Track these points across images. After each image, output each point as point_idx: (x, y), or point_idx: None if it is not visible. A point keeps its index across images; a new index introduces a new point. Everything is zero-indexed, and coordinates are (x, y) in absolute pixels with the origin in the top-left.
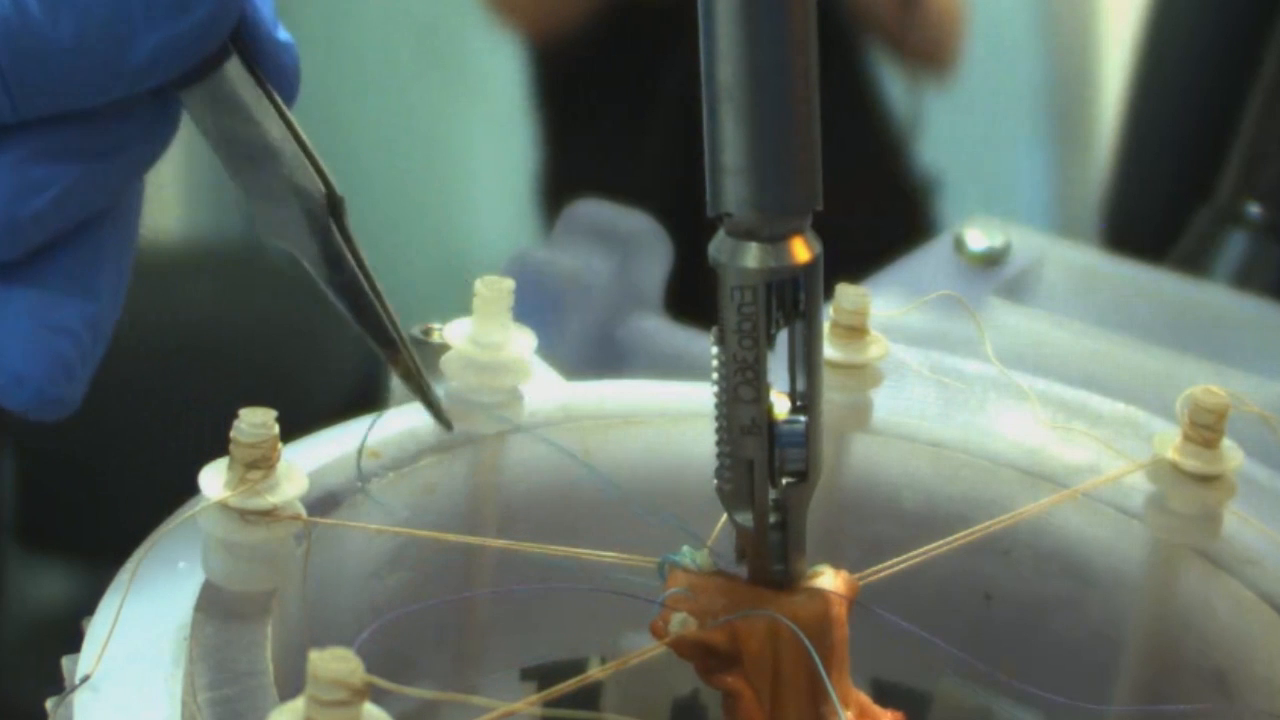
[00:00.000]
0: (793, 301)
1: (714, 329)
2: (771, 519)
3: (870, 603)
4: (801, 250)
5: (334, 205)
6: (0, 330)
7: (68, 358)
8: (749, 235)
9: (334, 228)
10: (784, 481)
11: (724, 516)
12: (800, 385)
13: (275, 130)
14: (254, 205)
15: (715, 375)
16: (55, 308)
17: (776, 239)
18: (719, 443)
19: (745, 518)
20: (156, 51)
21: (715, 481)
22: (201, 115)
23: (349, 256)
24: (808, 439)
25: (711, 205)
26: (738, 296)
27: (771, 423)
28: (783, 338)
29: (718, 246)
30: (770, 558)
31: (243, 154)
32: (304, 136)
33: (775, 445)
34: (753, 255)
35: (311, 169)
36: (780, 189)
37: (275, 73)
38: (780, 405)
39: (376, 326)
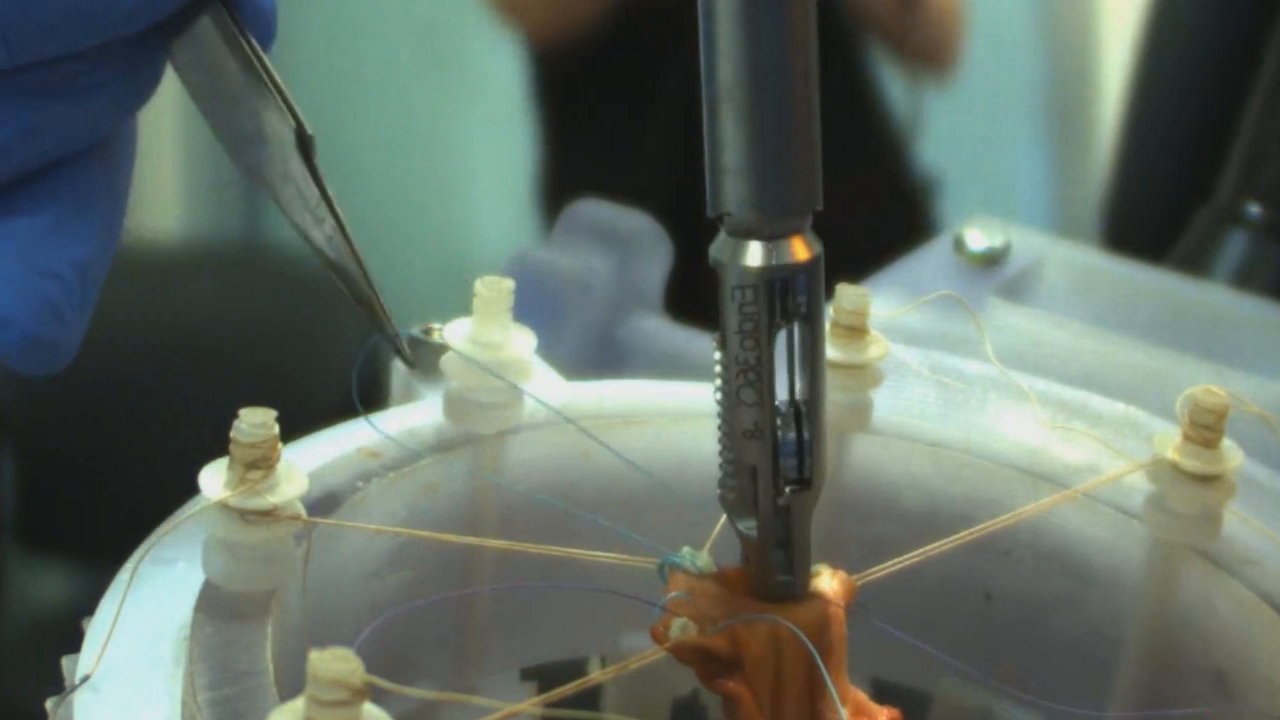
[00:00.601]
0: (794, 302)
1: (716, 333)
2: (775, 528)
3: (871, 602)
4: (802, 250)
5: (304, 143)
6: None
7: (56, 302)
8: (749, 235)
9: (305, 164)
10: (787, 490)
11: (722, 518)
12: (802, 389)
13: (250, 73)
14: (227, 145)
15: (717, 379)
16: (42, 251)
17: (777, 238)
18: (721, 450)
19: (749, 526)
20: None
21: (719, 490)
22: (178, 57)
23: (315, 193)
24: (811, 445)
25: (711, 205)
26: (739, 296)
27: (775, 427)
28: (783, 347)
29: (718, 246)
30: (775, 568)
31: (217, 96)
32: (277, 77)
33: (778, 452)
34: (753, 254)
35: (284, 110)
36: (780, 189)
37: (253, 16)
38: (783, 411)
39: (336, 263)
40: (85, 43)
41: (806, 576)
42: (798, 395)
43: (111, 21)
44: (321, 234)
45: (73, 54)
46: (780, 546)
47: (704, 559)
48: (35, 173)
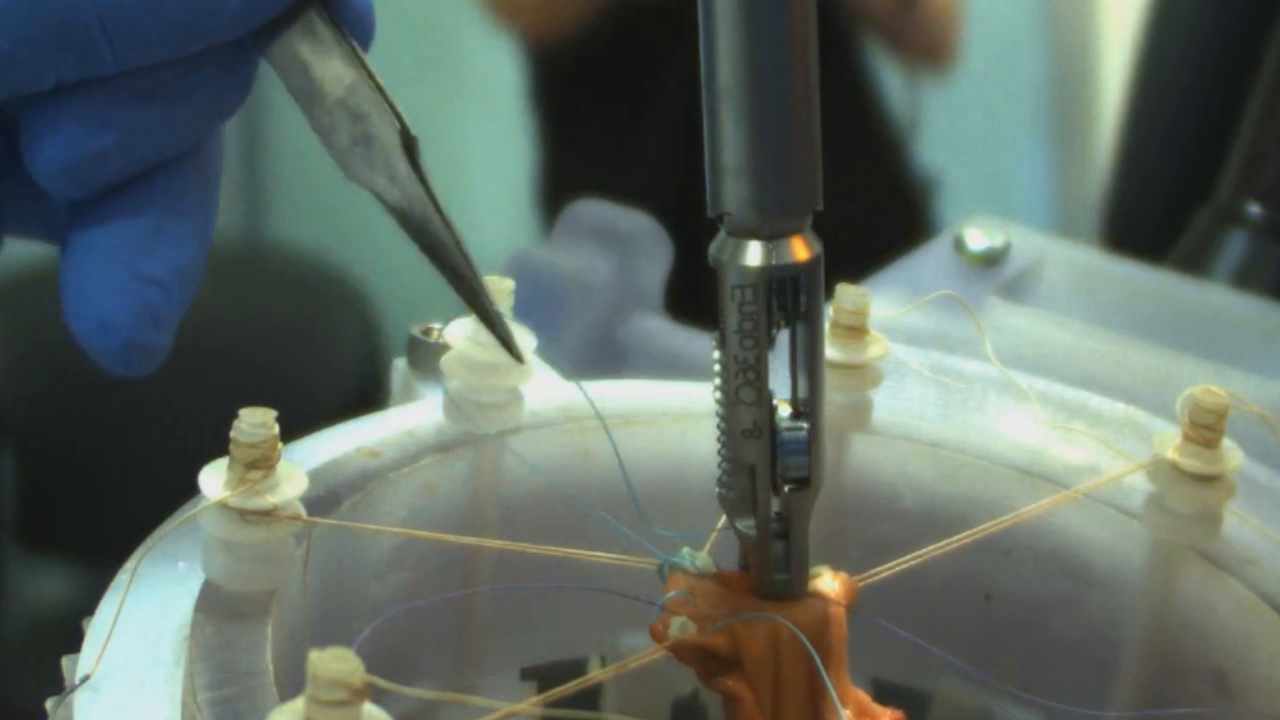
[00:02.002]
0: (793, 302)
1: (715, 333)
2: (774, 527)
3: (870, 603)
4: (802, 250)
5: (408, 145)
6: (87, 276)
7: (156, 306)
8: (749, 235)
9: (411, 166)
10: (786, 489)
11: (722, 518)
12: (801, 389)
13: (350, 75)
14: (331, 148)
15: (716, 378)
16: (143, 256)
17: (777, 238)
18: (720, 449)
19: (747, 525)
20: (248, 1)
21: (718, 489)
22: (280, 61)
23: (423, 195)
24: (810, 444)
25: (711, 205)
26: (738, 296)
27: (773, 427)
28: (783, 345)
29: (718, 246)
30: (773, 567)
31: (319, 99)
32: (379, 79)
33: (777, 451)
34: (753, 254)
35: (388, 111)
36: (780, 189)
37: (351, 18)
38: (782, 410)
39: (451, 266)
40: (189, 48)
41: (805, 575)
42: (797, 395)
43: (215, 27)
44: (428, 238)
45: (175, 59)
46: (779, 545)
47: (704, 559)
48: (135, 177)
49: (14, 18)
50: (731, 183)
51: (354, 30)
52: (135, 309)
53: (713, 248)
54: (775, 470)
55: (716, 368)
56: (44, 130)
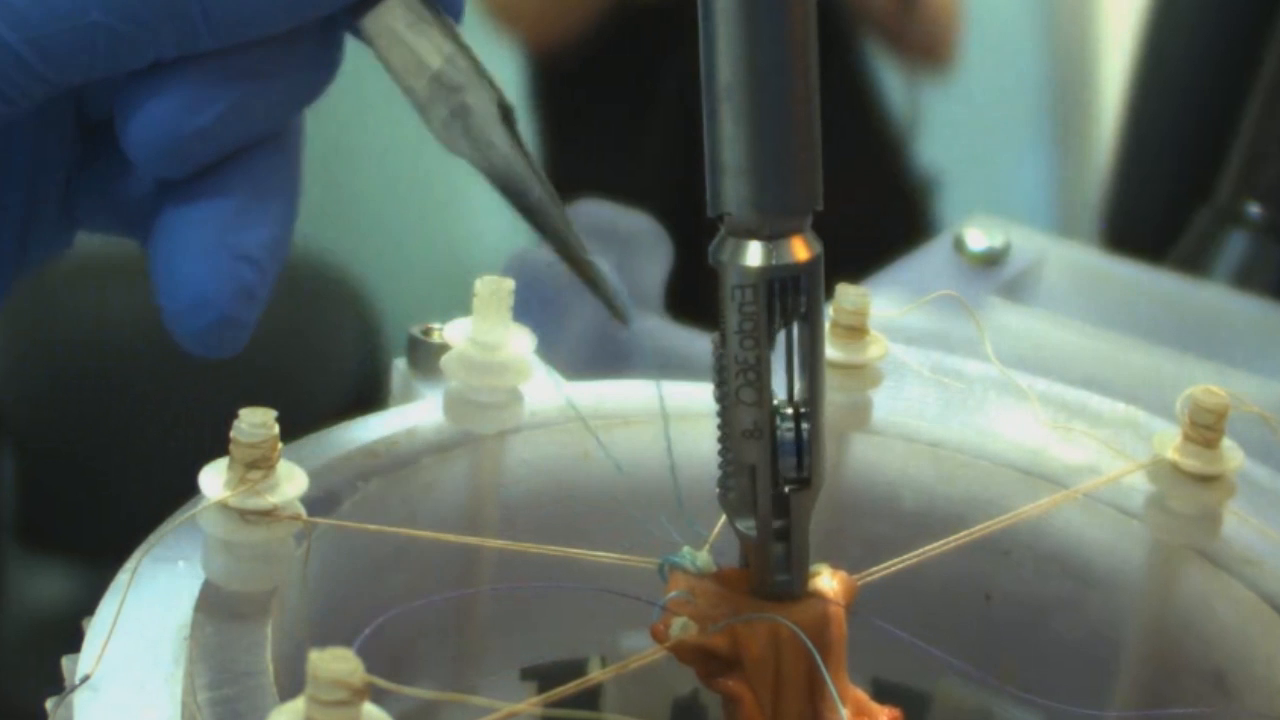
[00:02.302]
0: (793, 302)
1: (716, 333)
2: (775, 527)
3: (870, 602)
4: (802, 250)
5: (505, 115)
6: (181, 254)
7: (251, 283)
8: (749, 235)
9: (509, 135)
10: (786, 489)
11: (722, 518)
12: (801, 389)
13: (446, 47)
14: (430, 121)
15: (716, 378)
16: (236, 233)
17: (777, 238)
18: (721, 450)
19: (748, 526)
20: None
21: (718, 490)
22: (373, 36)
23: (522, 162)
24: (810, 444)
25: (712, 205)
26: (738, 296)
27: (774, 427)
28: (781, 350)
29: (718, 246)
30: (774, 568)
31: (414, 72)
32: (472, 50)
33: (777, 453)
34: (753, 254)
35: (484, 82)
36: (780, 189)
37: None
38: (782, 411)
39: (552, 231)
40: (284, 24)
41: (805, 575)
42: (797, 395)
43: (306, 6)
44: (529, 203)
45: (265, 38)
46: (779, 545)
47: (704, 558)
48: (226, 157)
49: None
50: (731, 182)
51: (445, 2)
52: (231, 285)
53: (713, 248)
54: (776, 471)
55: (717, 368)
56: (142, 110)
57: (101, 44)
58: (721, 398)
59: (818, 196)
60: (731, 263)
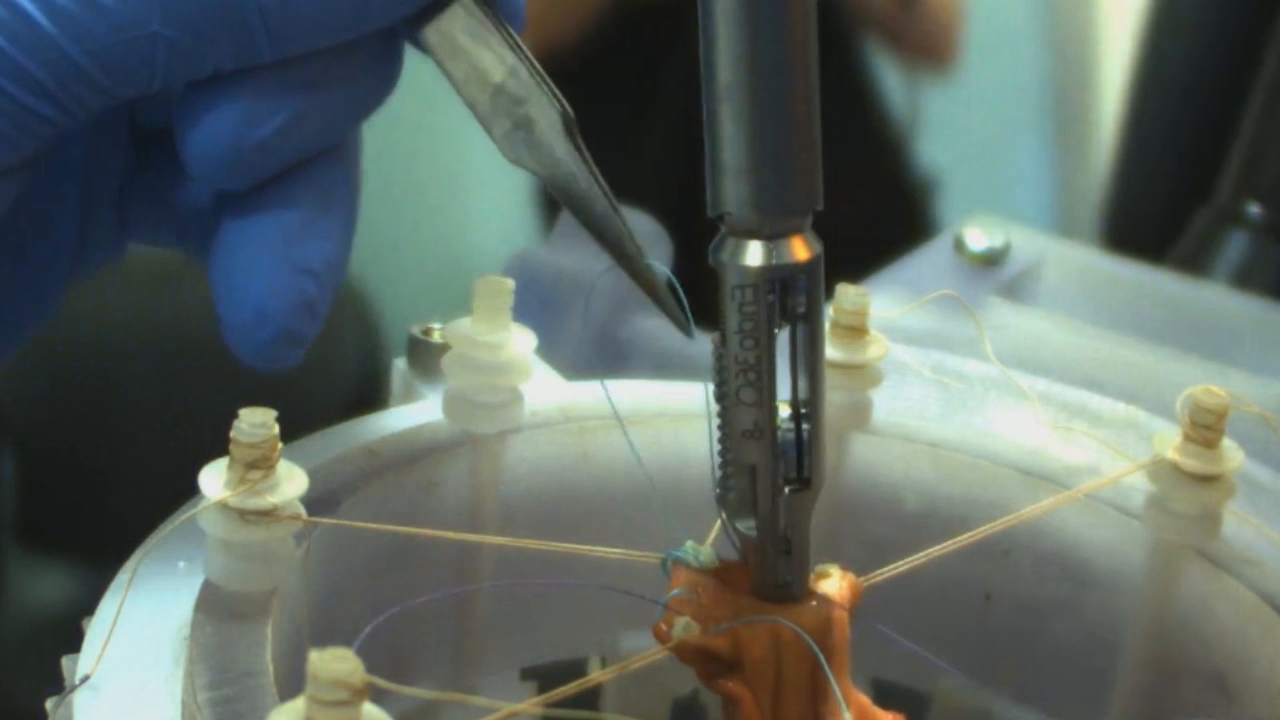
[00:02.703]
0: (793, 302)
1: (716, 333)
2: (775, 528)
3: (870, 604)
4: (802, 249)
5: (567, 126)
6: (243, 267)
7: (312, 296)
8: (749, 235)
9: (572, 146)
10: (786, 490)
11: (718, 523)
12: (802, 389)
13: (507, 58)
14: (492, 133)
15: (716, 379)
16: (297, 247)
17: (777, 238)
18: (721, 450)
19: (748, 526)
20: None
21: (717, 490)
22: (435, 47)
23: (586, 174)
24: (810, 445)
25: (712, 205)
26: (738, 296)
27: (774, 427)
28: (783, 345)
29: (718, 246)
30: (775, 569)
31: (476, 83)
32: (535, 61)
33: (777, 454)
34: (753, 254)
35: (546, 92)
36: (780, 189)
37: (505, 3)
38: (782, 411)
39: (615, 242)
40: (343, 36)
41: (806, 576)
42: (798, 395)
43: (370, 14)
44: (591, 215)
45: (325, 50)
46: (780, 547)
47: (707, 553)
48: (288, 168)
49: (175, 5)
50: (731, 182)
51: (507, 13)
52: (293, 298)
53: (713, 248)
54: (776, 471)
55: (716, 368)
56: (201, 122)
57: (161, 56)
58: (721, 398)
59: (818, 196)
60: (731, 263)
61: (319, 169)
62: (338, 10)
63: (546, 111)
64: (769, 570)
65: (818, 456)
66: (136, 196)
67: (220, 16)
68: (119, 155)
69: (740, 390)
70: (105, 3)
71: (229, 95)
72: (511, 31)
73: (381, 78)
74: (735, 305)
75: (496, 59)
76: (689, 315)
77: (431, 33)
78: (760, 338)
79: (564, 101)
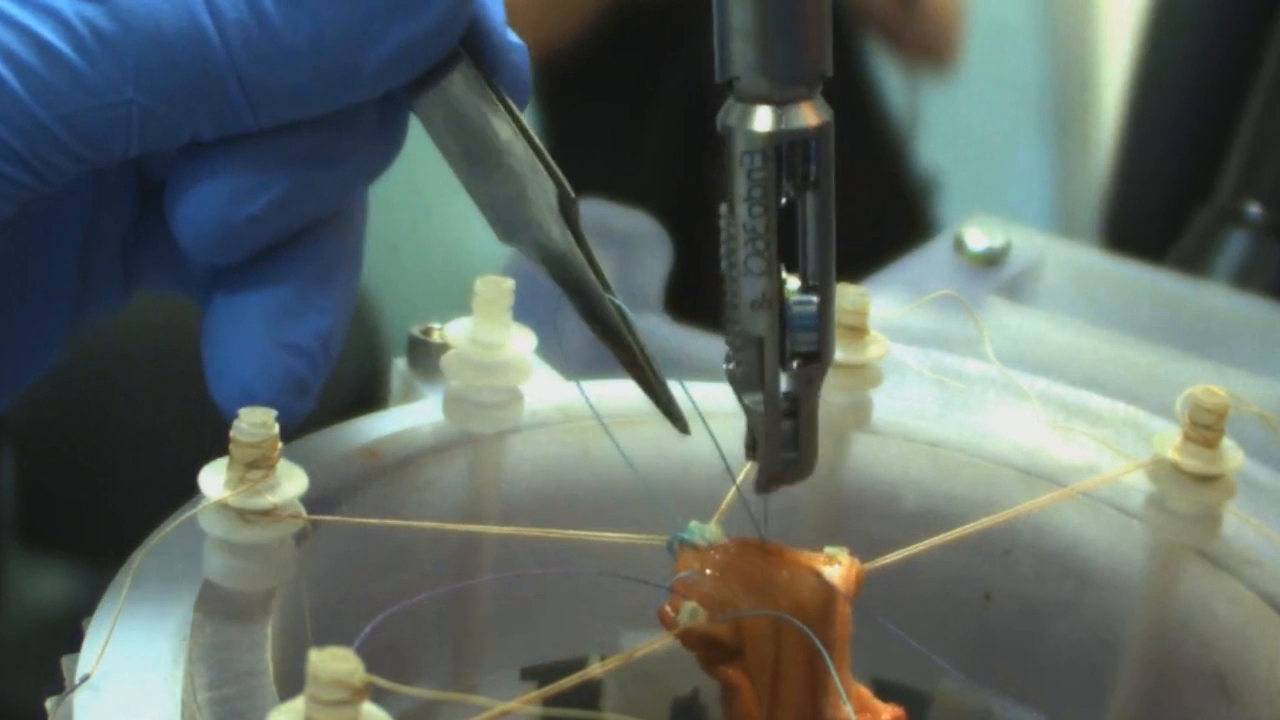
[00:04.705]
0: (803, 170)
1: (723, 204)
2: (782, 405)
3: (871, 602)
4: (811, 115)
5: (565, 206)
6: (231, 344)
7: (302, 376)
8: (758, 100)
9: (565, 229)
10: (794, 364)
11: (726, 498)
12: (811, 261)
13: (505, 132)
14: (484, 208)
15: (724, 250)
16: (288, 324)
17: (786, 104)
18: (728, 323)
19: (755, 400)
20: (393, 54)
21: (725, 365)
22: (431, 119)
23: (580, 258)
24: (819, 318)
25: (720, 71)
26: (747, 162)
27: (782, 297)
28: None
29: (726, 112)
30: (782, 444)
31: (472, 157)
32: (535, 138)
33: (786, 326)
34: (762, 119)
35: (544, 171)
36: (789, 55)
37: (507, 74)
38: (791, 283)
39: (606, 326)
40: (337, 104)
41: (814, 453)
42: (808, 269)
43: (354, 87)
44: (585, 300)
45: (323, 120)
46: (787, 422)
47: (713, 531)
48: (281, 241)
49: (150, 71)
50: (740, 46)
51: (508, 86)
52: (280, 378)
53: (721, 114)
54: (784, 342)
55: (724, 239)
56: (190, 194)
57: (136, 123)
58: (729, 269)
59: (827, 65)
60: (740, 128)
61: (318, 239)
62: (325, 79)
63: (541, 192)
64: (776, 447)
65: (827, 329)
66: (142, 246)
67: (197, 85)
68: (123, 205)
69: (748, 260)
70: (78, 68)
71: (219, 167)
72: (512, 105)
73: (385, 144)
74: (744, 172)
75: (491, 135)
76: (684, 416)
77: (426, 102)
78: (769, 205)
79: (563, 181)
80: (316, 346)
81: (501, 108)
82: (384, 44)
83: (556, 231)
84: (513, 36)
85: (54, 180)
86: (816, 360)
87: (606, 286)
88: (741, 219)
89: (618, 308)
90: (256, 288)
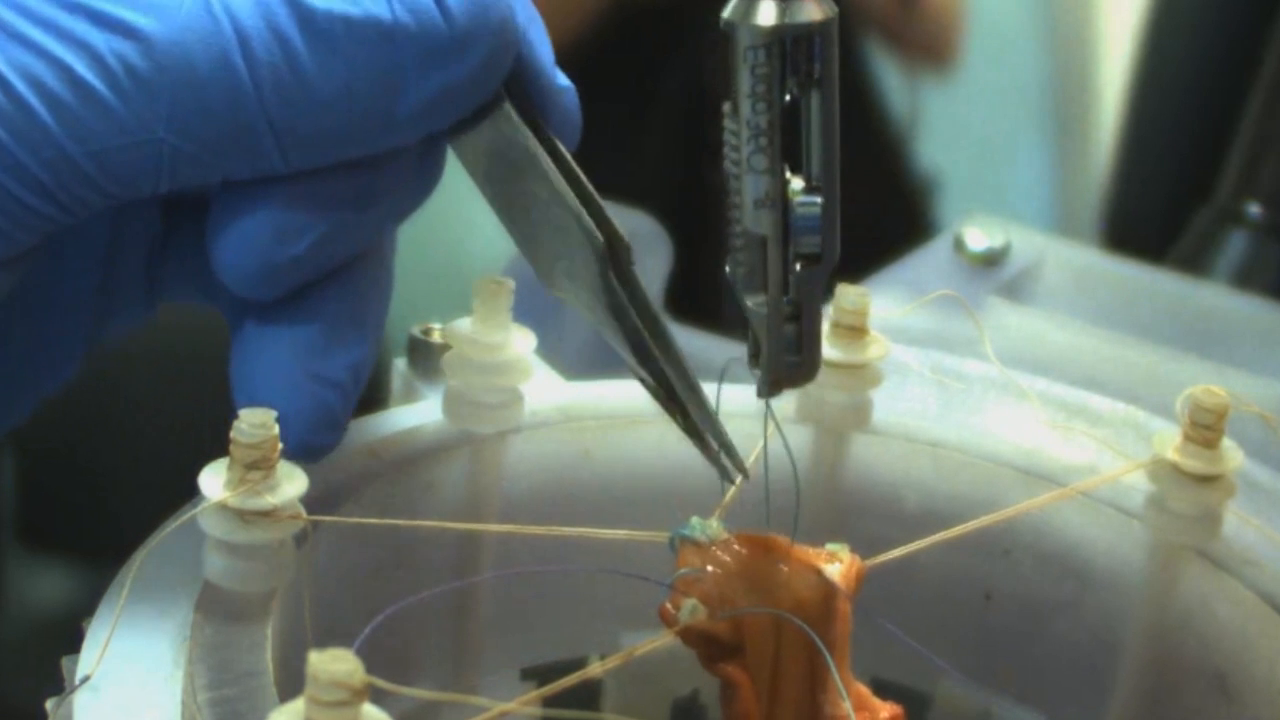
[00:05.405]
0: (807, 66)
1: (727, 102)
2: (785, 308)
3: (871, 602)
4: (815, 9)
5: (615, 253)
6: (261, 375)
7: (333, 408)
8: None
9: (613, 278)
10: (797, 266)
11: (726, 496)
12: (815, 161)
13: (552, 178)
14: (529, 255)
15: (727, 148)
16: (321, 358)
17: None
18: (731, 223)
19: (758, 302)
20: (429, 101)
21: (727, 267)
22: (473, 162)
23: (630, 308)
24: (823, 219)
25: None
26: (751, 57)
27: (785, 196)
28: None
29: (731, 8)
30: (784, 347)
31: (517, 203)
32: (586, 182)
33: (789, 227)
34: (765, 13)
35: (589, 218)
36: None
37: (555, 116)
38: (795, 184)
39: (659, 377)
40: (374, 148)
41: (817, 356)
42: (812, 170)
43: (389, 132)
44: (632, 354)
45: (359, 163)
46: (790, 326)
47: (714, 526)
48: (317, 279)
49: (182, 111)
50: None
51: (557, 129)
52: (310, 410)
53: (725, 10)
54: (788, 242)
55: (727, 136)
56: (233, 234)
57: (166, 162)
58: (732, 167)
59: None
60: (743, 23)
61: (350, 275)
62: (359, 125)
63: (587, 242)
64: (778, 350)
65: (830, 230)
66: (168, 258)
67: (228, 128)
68: (149, 219)
69: (752, 157)
70: (110, 104)
71: (262, 206)
72: (561, 149)
73: (423, 182)
74: (747, 67)
75: (537, 177)
76: (732, 468)
77: (466, 145)
78: (773, 100)
79: (611, 223)
80: (348, 379)
81: (546, 153)
82: (420, 91)
83: (600, 284)
84: (562, 78)
85: (79, 214)
86: (819, 262)
87: (659, 336)
88: (745, 116)
89: (673, 359)
90: (290, 321)
